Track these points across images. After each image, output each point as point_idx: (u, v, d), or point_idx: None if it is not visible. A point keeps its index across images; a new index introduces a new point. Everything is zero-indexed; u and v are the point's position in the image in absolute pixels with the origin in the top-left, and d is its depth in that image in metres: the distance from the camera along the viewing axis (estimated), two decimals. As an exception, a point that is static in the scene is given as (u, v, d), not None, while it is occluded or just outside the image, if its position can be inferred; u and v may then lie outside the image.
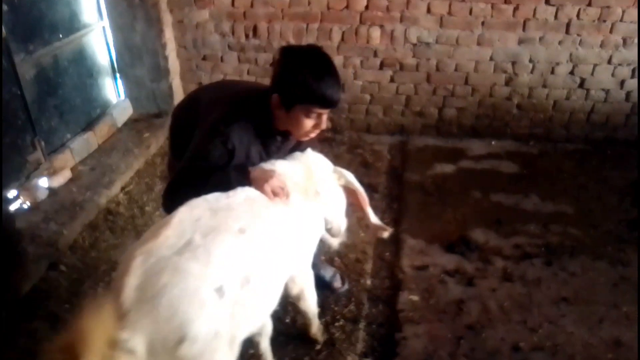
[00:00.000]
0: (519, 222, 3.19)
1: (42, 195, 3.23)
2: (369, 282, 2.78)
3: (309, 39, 3.84)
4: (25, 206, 3.13)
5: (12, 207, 3.04)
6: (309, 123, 1.87)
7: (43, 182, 3.29)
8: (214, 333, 1.35)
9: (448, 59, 3.83)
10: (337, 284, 2.69)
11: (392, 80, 3.97)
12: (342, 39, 3.85)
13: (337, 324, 2.50)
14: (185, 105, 2.27)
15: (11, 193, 3.10)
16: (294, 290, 2.02)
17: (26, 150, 3.24)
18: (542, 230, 3.13)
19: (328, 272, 2.70)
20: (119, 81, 4.19)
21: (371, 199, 3.28)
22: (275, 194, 1.77)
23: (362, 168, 3.73)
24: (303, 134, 1.93)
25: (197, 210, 1.54)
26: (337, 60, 3.88)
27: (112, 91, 4.16)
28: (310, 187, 1.92)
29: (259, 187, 1.76)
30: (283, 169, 1.89)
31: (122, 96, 4.24)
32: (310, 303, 2.16)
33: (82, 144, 3.68)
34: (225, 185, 1.74)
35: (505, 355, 2.33)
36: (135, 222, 3.17)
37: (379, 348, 2.43)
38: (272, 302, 1.70)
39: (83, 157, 3.66)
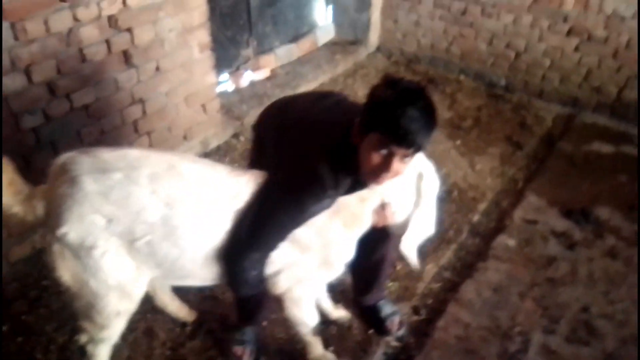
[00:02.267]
0: (654, 213, 3.13)
1: (245, 83, 4.08)
2: (476, 218, 3.08)
3: (503, -5, 4.01)
4: (229, 89, 4.01)
5: (221, 88, 3.92)
6: (376, 158, 1.56)
7: (248, 74, 4.13)
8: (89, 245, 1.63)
9: (643, 39, 3.68)
10: (392, 325, 2.38)
11: (576, 49, 3.93)
12: (535, -1, 3.93)
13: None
14: (276, 110, 2.06)
15: (223, 77, 3.98)
16: (276, 289, 1.91)
17: (241, 45, 4.08)
18: (676, 227, 3.04)
19: (387, 309, 2.42)
20: (329, 7, 4.83)
21: (512, 155, 3.52)
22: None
23: (517, 127, 3.88)
24: (370, 171, 1.61)
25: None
26: (525, 19, 3.99)
27: (321, 14, 4.81)
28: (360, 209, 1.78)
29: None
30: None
31: (329, 20, 4.88)
32: (297, 315, 2.02)
33: (286, 52, 4.44)
34: None
35: (571, 311, 2.51)
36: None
37: (459, 269, 2.77)
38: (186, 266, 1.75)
39: (283, 62, 4.42)
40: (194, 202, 1.66)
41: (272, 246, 1.76)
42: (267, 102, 3.92)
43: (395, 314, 2.41)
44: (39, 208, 1.68)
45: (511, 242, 2.89)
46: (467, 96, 4.23)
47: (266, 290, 1.94)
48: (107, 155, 1.65)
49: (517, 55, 4.18)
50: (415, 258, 1.89)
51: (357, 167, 1.65)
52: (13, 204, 1.66)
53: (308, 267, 1.84)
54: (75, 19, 2.41)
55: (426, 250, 2.80)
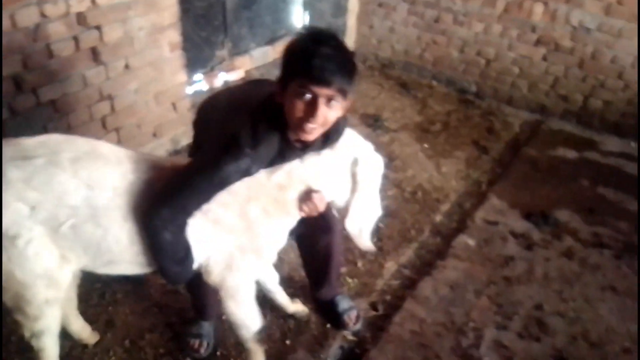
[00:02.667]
0: (612, 216, 3.22)
1: (219, 84, 4.13)
2: (437, 218, 3.15)
3: (474, 4, 4.11)
4: (203, 89, 4.06)
5: (194, 88, 3.97)
6: (300, 105, 1.53)
7: (222, 75, 4.18)
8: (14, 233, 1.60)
9: (606, 49, 3.79)
10: (349, 319, 2.42)
11: (544, 59, 4.04)
12: (505, 9, 4.03)
13: (394, 234, 2.96)
14: (211, 102, 2.04)
15: (197, 77, 4.03)
16: (208, 276, 1.86)
17: (216, 46, 4.13)
18: (632, 230, 3.13)
19: (344, 304, 2.45)
20: (306, 11, 4.90)
21: (478, 158, 3.60)
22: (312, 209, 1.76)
23: (485, 132, 3.98)
24: (297, 122, 1.57)
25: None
26: (496, 28, 4.10)
27: (298, 18, 4.88)
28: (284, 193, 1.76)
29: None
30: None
31: (305, 24, 4.95)
32: (236, 313, 1.96)
33: (261, 54, 4.50)
34: None
35: (524, 308, 2.58)
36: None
37: (418, 267, 2.84)
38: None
39: (258, 64, 4.48)
40: (115, 181, 1.66)
41: (185, 207, 1.67)
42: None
43: (352, 309, 2.46)
44: None
45: (471, 242, 2.97)
46: (438, 101, 4.32)
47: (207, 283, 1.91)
48: (29, 141, 1.63)
49: (488, 62, 4.29)
50: (367, 240, 1.90)
51: (282, 126, 1.63)
52: None
53: (235, 251, 1.80)
54: (43, 15, 2.44)
55: (386, 249, 2.88)
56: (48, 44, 2.54)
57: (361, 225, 1.86)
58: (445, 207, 3.24)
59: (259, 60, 4.47)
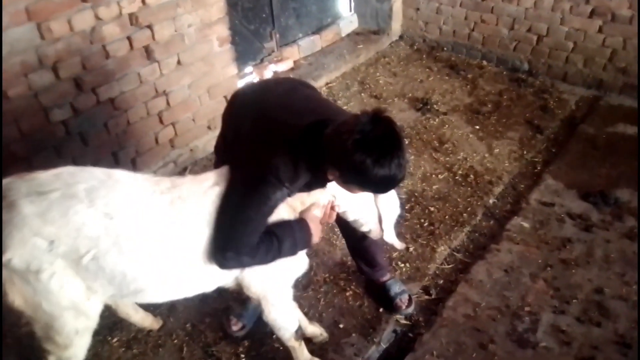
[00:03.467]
0: (678, 195, 3.07)
1: (268, 75, 4.19)
2: (491, 201, 3.10)
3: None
4: (254, 81, 4.13)
5: (245, 81, 4.04)
6: (355, 191, 1.78)
7: (271, 66, 4.24)
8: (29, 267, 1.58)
9: (669, 18, 3.59)
10: (402, 302, 2.45)
11: (600, 30, 3.86)
12: (558, -20, 3.88)
13: (445, 218, 2.95)
14: (242, 98, 2.03)
15: (248, 69, 4.10)
16: (250, 289, 1.94)
17: (265, 38, 4.19)
18: (700, 208, 2.98)
19: (396, 287, 2.49)
20: (352, -3, 4.89)
21: (532, 138, 3.51)
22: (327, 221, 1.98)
23: (539, 111, 3.85)
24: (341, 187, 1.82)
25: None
26: (547, 2, 3.94)
27: (344, 5, 4.87)
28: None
29: (316, 227, 1.89)
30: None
31: (352, 11, 4.93)
32: (276, 318, 2.01)
33: (309, 44, 4.53)
34: (293, 248, 1.84)
35: (584, 292, 2.51)
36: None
37: (472, 250, 2.81)
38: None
39: (306, 54, 4.51)
40: (134, 208, 1.63)
41: (245, 242, 1.71)
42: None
43: (404, 293, 2.47)
44: None
45: (526, 224, 2.91)
46: (488, 81, 4.22)
47: None
48: (43, 175, 1.62)
49: (539, 38, 4.14)
50: (394, 239, 2.08)
51: (319, 165, 1.69)
52: None
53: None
54: (97, 18, 2.57)
55: (438, 233, 2.86)
56: (104, 45, 2.67)
57: (388, 224, 2.02)
58: (498, 189, 3.18)
59: (307, 49, 4.51)
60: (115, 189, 1.63)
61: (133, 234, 1.62)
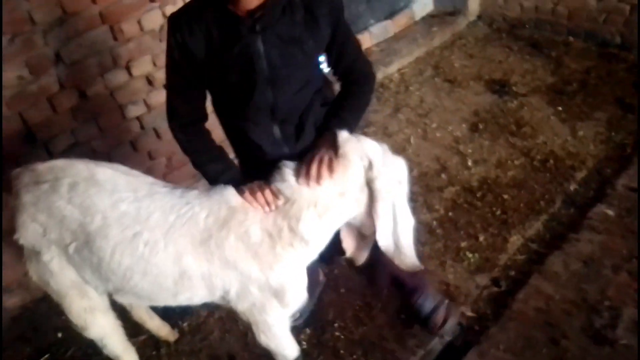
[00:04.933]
0: None
1: (339, 63, 4.17)
2: (572, 187, 2.90)
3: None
4: (325, 70, 4.12)
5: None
6: None
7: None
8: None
9: None
10: (436, 321, 2.20)
11: None
12: (653, -55, 3.52)
13: (520, 206, 2.79)
14: None
15: (320, 58, 4.10)
16: (238, 310, 1.75)
17: (335, 27, 4.16)
18: None
19: (427, 305, 2.23)
20: (426, -22, 4.73)
21: (622, 118, 3.24)
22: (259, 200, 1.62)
23: (630, 88, 3.52)
24: None
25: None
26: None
27: (418, -13, 4.73)
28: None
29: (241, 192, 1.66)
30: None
31: (427, -7, 4.78)
32: (268, 344, 1.84)
33: (381, 30, 4.45)
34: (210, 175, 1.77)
35: (675, 286, 2.29)
36: (398, 97, 3.85)
37: (548, 240, 2.65)
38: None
39: (379, 40, 4.44)
40: (106, 210, 1.63)
41: (174, 108, 1.77)
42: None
43: (438, 310, 2.22)
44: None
45: (610, 212, 2.68)
46: (574, 58, 3.92)
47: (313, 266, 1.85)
48: (41, 167, 1.74)
49: (633, 8, 3.78)
50: (410, 256, 1.68)
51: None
52: None
53: (253, 288, 1.66)
54: (165, 16, 2.68)
55: (511, 222, 2.72)
56: (173, 43, 2.78)
57: (395, 239, 1.65)
58: (581, 174, 2.96)
59: (379, 36, 4.43)
60: (91, 189, 1.65)
61: (100, 235, 1.63)
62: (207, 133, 1.83)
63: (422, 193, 2.97)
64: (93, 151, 2.67)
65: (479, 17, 4.68)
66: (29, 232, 1.71)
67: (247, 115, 1.74)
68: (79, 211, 1.64)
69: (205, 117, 1.83)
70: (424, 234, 2.70)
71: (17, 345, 2.56)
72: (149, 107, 2.81)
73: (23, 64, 2.37)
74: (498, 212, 2.78)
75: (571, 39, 4.14)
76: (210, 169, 1.77)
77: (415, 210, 2.81)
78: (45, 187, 1.68)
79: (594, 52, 3.96)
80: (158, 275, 1.64)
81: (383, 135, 3.44)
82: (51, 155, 2.55)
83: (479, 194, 2.90)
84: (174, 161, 3.00)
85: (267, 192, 1.62)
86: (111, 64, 2.60)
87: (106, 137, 2.71)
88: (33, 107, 2.46)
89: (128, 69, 2.66)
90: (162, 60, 2.72)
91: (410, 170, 3.07)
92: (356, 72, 1.87)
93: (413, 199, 2.93)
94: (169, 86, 1.75)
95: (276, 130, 1.79)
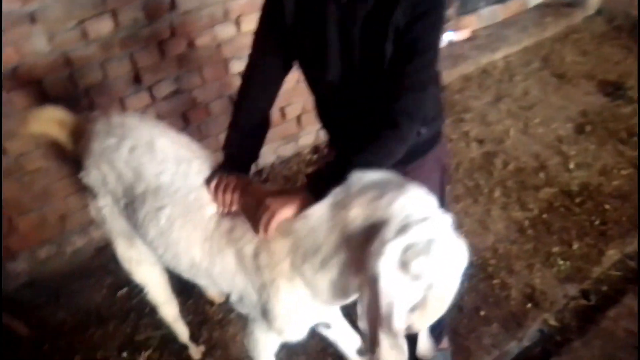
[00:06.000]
0: None
1: (443, 43, 4.02)
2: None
3: None
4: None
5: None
6: None
7: (447, 34, 4.06)
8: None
9: None
10: None
11: None
12: None
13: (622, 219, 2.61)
14: None
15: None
16: (238, 309, 1.66)
17: (443, 5, 4.01)
18: None
19: None
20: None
21: None
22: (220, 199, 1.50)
23: None
24: None
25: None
26: None
27: (537, -27, 4.46)
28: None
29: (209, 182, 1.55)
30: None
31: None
32: (249, 347, 1.77)
33: (490, 13, 4.24)
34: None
35: None
36: (500, 86, 3.68)
37: None
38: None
39: (487, 24, 4.24)
40: (150, 179, 1.61)
41: None
42: (461, 62, 3.88)
43: None
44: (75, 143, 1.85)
45: None
46: (702, 69, 3.59)
47: None
48: (115, 119, 1.74)
49: None
50: (425, 344, 1.43)
51: None
52: (59, 134, 1.87)
53: (250, 308, 1.56)
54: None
55: (610, 234, 2.55)
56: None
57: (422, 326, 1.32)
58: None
59: (487, 19, 4.23)
60: (147, 155, 1.63)
61: (140, 202, 1.62)
62: (261, 92, 1.62)
63: (516, 189, 2.83)
64: (192, 100, 2.71)
65: (599, 11, 4.36)
66: (91, 175, 1.74)
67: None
68: (132, 174, 1.64)
69: (275, 91, 1.64)
70: (514, 233, 2.58)
71: (99, 274, 2.68)
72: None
73: (140, 6, 2.41)
74: (597, 222, 2.61)
75: (701, 46, 3.78)
76: (227, 136, 1.64)
77: (507, 207, 2.74)
78: (112, 142, 1.68)
79: None
80: (176, 254, 1.60)
81: (481, 123, 3.29)
82: (154, 99, 2.61)
83: (578, 200, 2.73)
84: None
85: (229, 193, 1.48)
86: (222, 16, 2.61)
87: (207, 89, 2.74)
88: (143, 49, 2.51)
89: (237, 23, 2.66)
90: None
91: (507, 163, 3.01)
92: (394, 103, 1.40)
93: (506, 194, 2.81)
94: (259, 26, 1.60)
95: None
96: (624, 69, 3.69)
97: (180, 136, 1.73)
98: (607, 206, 2.68)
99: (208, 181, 1.54)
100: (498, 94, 3.57)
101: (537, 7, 4.44)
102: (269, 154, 3.17)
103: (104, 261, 2.71)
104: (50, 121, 1.86)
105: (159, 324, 2.29)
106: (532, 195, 2.78)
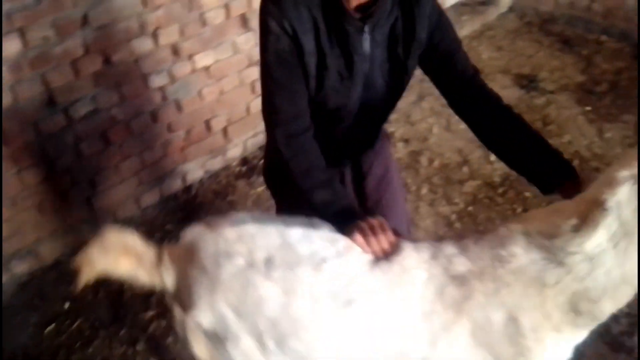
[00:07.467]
0: None
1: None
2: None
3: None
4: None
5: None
6: None
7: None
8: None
9: None
10: None
11: None
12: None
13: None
14: None
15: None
16: None
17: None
18: None
19: None
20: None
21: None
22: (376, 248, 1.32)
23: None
24: None
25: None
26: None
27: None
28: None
29: (354, 233, 1.34)
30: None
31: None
32: None
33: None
34: (320, 205, 1.44)
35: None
36: (422, 85, 3.77)
37: None
38: None
39: None
40: (313, 287, 1.29)
41: (273, 103, 1.47)
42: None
43: None
44: (167, 277, 1.47)
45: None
46: (606, 58, 3.84)
47: None
48: (230, 234, 1.40)
49: (672, 11, 3.68)
50: None
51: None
52: (137, 273, 1.48)
53: None
54: (195, -15, 2.63)
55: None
56: (202, 13, 2.72)
57: None
58: (605, 178, 2.90)
59: None
60: (292, 259, 1.33)
61: (309, 318, 1.30)
62: (315, 148, 1.50)
63: (442, 185, 2.92)
64: (112, 119, 2.64)
65: (511, 8, 4.58)
66: (215, 314, 1.34)
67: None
68: (282, 290, 1.30)
69: (311, 126, 1.51)
70: (442, 227, 2.67)
71: (24, 312, 2.53)
72: (172, 77, 2.76)
73: (50, 24, 2.32)
74: (519, 210, 2.74)
75: (604, 37, 4.05)
76: (318, 197, 1.44)
77: (434, 202, 2.82)
78: (240, 262, 1.34)
79: (628, 53, 3.87)
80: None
81: (405, 123, 3.38)
82: (71, 121, 2.52)
83: (500, 190, 2.85)
84: (192, 135, 2.97)
85: (383, 236, 1.31)
86: (138, 30, 2.55)
87: (127, 106, 2.67)
88: (55, 69, 2.41)
89: (155, 36, 2.61)
90: (190, 29, 2.71)
91: (431, 161, 3.10)
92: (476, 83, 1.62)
93: (432, 190, 2.90)
94: (272, 82, 1.44)
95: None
96: (537, 62, 3.89)
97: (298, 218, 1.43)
98: (527, 194, 2.81)
99: (349, 235, 1.34)
100: (421, 93, 3.67)
101: (454, 6, 4.60)
102: (196, 170, 3.13)
103: (28, 297, 2.56)
104: (117, 254, 1.45)
105: (90, 358, 2.20)
106: (457, 190, 2.88)
